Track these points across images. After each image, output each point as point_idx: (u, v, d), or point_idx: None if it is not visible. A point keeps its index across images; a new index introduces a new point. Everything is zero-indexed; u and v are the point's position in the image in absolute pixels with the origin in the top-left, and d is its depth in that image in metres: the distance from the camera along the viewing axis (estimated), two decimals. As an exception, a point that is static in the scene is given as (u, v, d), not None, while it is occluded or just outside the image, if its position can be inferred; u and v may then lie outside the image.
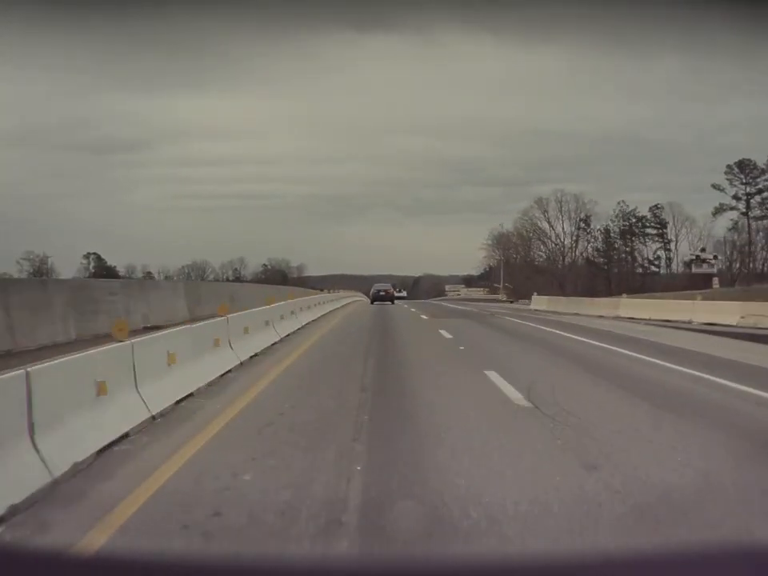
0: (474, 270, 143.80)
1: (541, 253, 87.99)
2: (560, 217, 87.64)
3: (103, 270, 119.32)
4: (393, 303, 48.53)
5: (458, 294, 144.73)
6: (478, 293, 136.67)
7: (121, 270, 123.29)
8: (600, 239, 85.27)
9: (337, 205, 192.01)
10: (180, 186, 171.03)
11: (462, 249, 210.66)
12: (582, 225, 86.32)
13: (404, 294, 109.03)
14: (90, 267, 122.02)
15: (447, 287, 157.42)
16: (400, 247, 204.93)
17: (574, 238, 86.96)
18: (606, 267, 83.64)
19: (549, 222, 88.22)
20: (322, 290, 52.49)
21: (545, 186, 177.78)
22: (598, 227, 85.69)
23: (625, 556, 1.95)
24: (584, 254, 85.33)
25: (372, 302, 49.43)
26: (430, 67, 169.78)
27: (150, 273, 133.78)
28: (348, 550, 3.88)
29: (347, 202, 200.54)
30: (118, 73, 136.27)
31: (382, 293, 50.68)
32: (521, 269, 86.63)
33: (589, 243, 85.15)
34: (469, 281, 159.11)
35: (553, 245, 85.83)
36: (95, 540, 3.97)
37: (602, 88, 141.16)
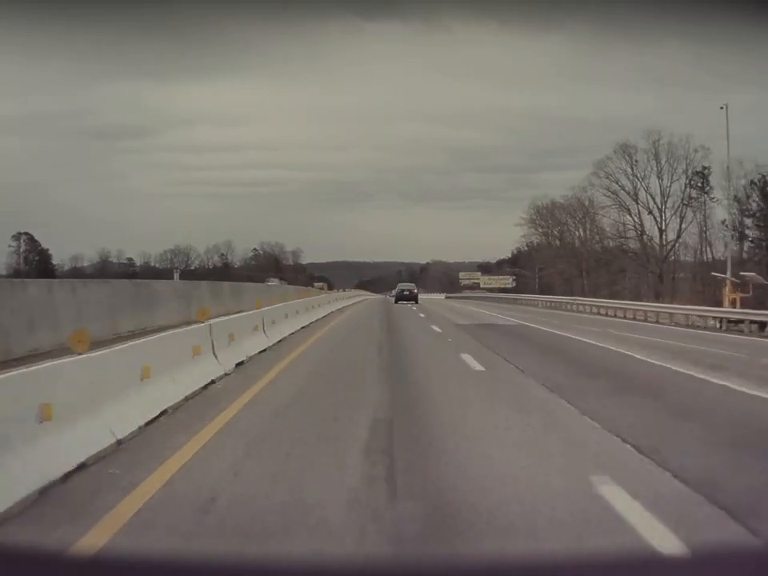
0: (492, 257, 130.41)
1: (621, 227, 59.79)
2: (655, 170, 58.95)
3: (36, 255, 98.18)
4: (417, 302, 49.95)
5: (477, 284, 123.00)
6: (501, 281, 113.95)
7: (94, 256, 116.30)
8: (753, 196, 50.43)
9: (341, 192, 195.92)
10: (183, 172, 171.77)
11: (471, 236, 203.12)
12: (698, 181, 55.05)
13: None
14: (21, 251, 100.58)
15: (461, 275, 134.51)
16: (405, 234, 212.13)
17: (681, 200, 57.15)
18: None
19: (638, 178, 60.06)
20: (323, 288, 51.79)
21: (551, 174, 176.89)
22: (753, 179, 51.66)
23: (625, 556, 1.95)
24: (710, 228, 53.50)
25: (396, 302, 51.28)
26: (436, 55, 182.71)
27: (130, 258, 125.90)
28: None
29: (352, 188, 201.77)
30: (121, 59, 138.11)
31: (405, 292, 53.75)
32: (583, 255, 61.02)
33: (708, 210, 54.02)
34: (486, 268, 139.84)
35: (646, 212, 57.39)
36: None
37: (607, 76, 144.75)
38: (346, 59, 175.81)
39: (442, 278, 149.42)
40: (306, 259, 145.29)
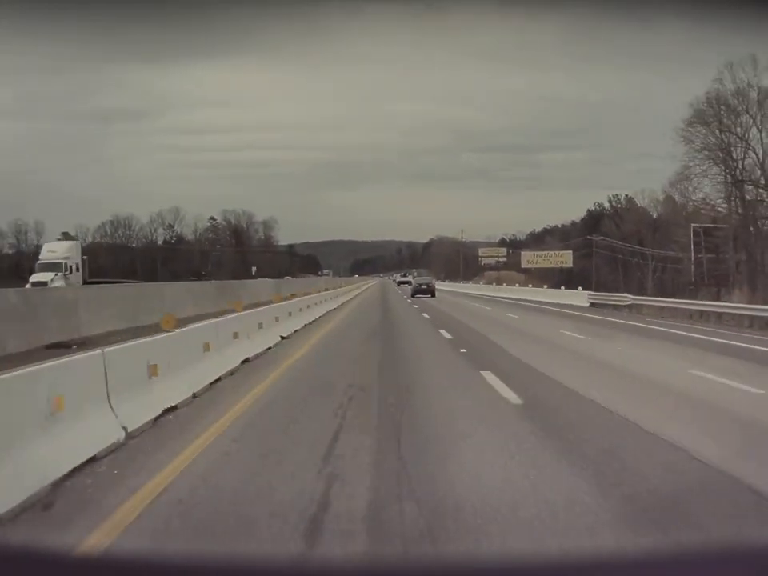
0: (515, 232, 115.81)
1: None
2: None
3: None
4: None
5: (503, 263, 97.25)
6: (555, 259, 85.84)
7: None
8: None
9: (338, 171, 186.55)
10: (180, 154, 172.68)
11: (476, 213, 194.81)
12: None
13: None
14: None
15: (482, 252, 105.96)
16: (405, 213, 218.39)
17: None
18: None
19: None
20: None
21: (553, 153, 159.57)
22: None
23: (624, 556, 1.99)
24: None
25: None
26: (436, 36, 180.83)
27: (67, 233, 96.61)
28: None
29: (350, 169, 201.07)
30: (117, 42, 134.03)
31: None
32: None
33: None
34: (514, 245, 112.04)
35: None
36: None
37: (604, 55, 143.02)
38: (347, 41, 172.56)
39: (450, 257, 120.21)
40: (299, 238, 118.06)
